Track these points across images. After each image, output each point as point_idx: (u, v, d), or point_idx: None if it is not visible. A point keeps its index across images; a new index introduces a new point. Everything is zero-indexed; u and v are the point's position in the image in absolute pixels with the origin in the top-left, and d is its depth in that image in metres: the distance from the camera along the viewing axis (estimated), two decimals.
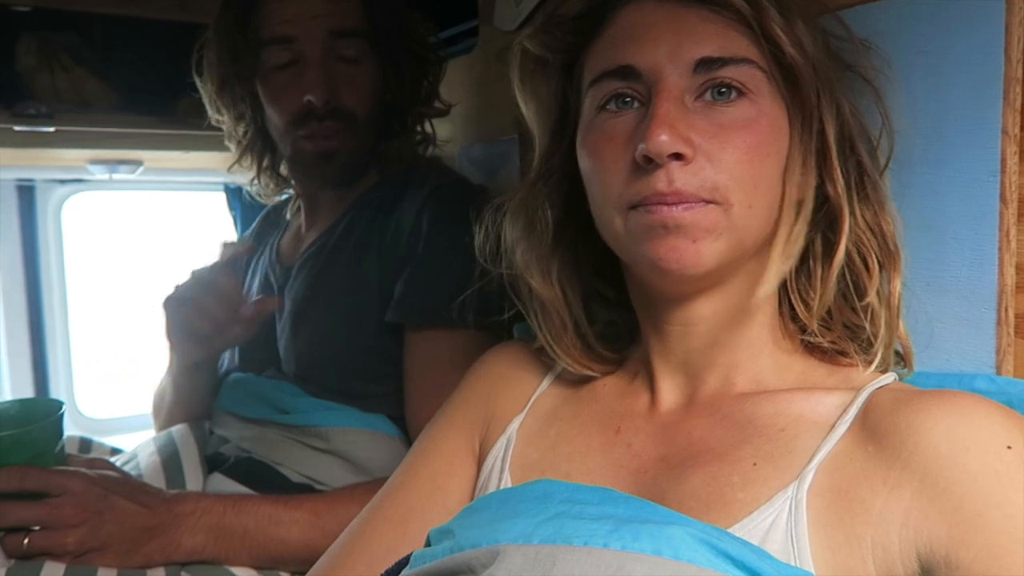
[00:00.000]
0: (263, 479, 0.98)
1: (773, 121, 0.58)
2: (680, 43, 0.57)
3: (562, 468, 0.65)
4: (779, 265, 0.58)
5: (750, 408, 0.60)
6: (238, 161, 1.19)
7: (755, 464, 0.56)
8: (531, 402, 0.71)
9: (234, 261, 1.01)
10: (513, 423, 0.70)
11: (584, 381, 0.70)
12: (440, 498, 0.71)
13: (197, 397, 1.13)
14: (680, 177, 0.55)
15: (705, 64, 0.56)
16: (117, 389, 2.14)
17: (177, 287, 1.02)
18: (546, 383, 0.72)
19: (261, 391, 1.05)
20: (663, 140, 0.53)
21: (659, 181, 0.55)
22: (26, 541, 0.78)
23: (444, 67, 1.17)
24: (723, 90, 0.56)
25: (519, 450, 0.68)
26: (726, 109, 0.56)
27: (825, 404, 0.58)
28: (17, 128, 1.30)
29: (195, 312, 0.98)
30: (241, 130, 1.14)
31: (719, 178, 0.55)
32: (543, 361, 0.74)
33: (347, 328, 1.02)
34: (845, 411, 0.56)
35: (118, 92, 1.45)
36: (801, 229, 0.58)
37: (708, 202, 0.55)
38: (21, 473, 0.79)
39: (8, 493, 0.79)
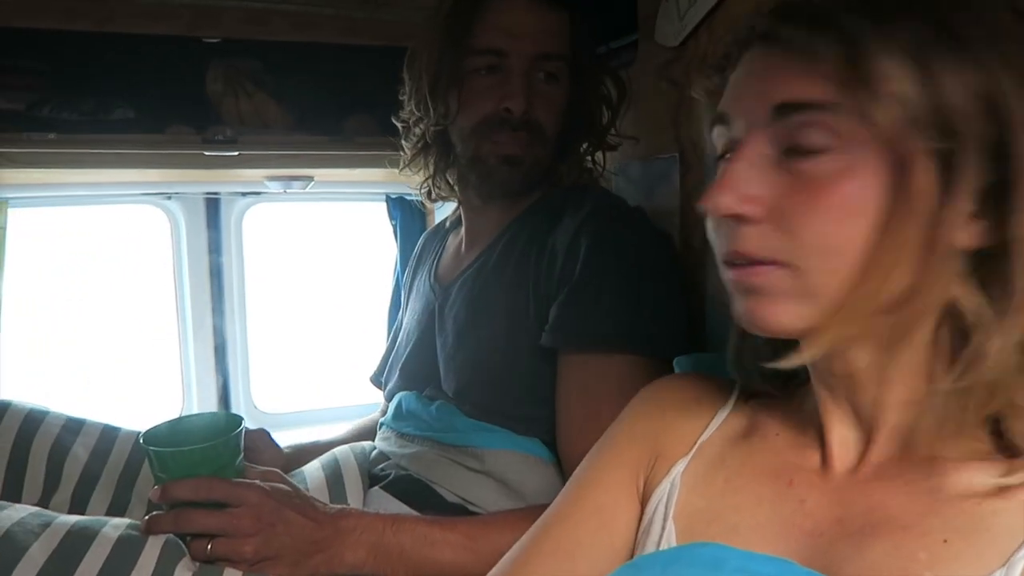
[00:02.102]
0: (419, 496, 1.01)
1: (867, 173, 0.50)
2: (763, 90, 0.53)
3: (730, 520, 0.61)
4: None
5: (938, 475, 0.54)
6: (411, 161, 1.23)
7: (945, 540, 0.51)
8: (698, 445, 0.68)
9: None
10: (678, 466, 0.67)
11: (754, 427, 0.67)
12: (607, 535, 0.69)
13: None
14: (744, 238, 0.53)
15: (782, 109, 0.51)
16: (288, 385, 2.28)
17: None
18: (713, 425, 0.69)
19: (421, 410, 1.08)
20: (718, 202, 0.52)
21: (731, 240, 0.54)
22: (209, 546, 0.84)
23: (627, 102, 1.18)
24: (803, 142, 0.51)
25: (684, 497, 0.65)
26: (806, 164, 0.51)
27: None
28: (207, 153, 1.42)
29: None
30: (420, 130, 1.17)
31: (786, 242, 0.51)
32: (710, 400, 0.70)
33: (504, 350, 1.03)
34: None
35: (293, 114, 1.55)
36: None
37: (774, 264, 0.52)
38: (208, 484, 0.85)
39: (194, 502, 0.85)
